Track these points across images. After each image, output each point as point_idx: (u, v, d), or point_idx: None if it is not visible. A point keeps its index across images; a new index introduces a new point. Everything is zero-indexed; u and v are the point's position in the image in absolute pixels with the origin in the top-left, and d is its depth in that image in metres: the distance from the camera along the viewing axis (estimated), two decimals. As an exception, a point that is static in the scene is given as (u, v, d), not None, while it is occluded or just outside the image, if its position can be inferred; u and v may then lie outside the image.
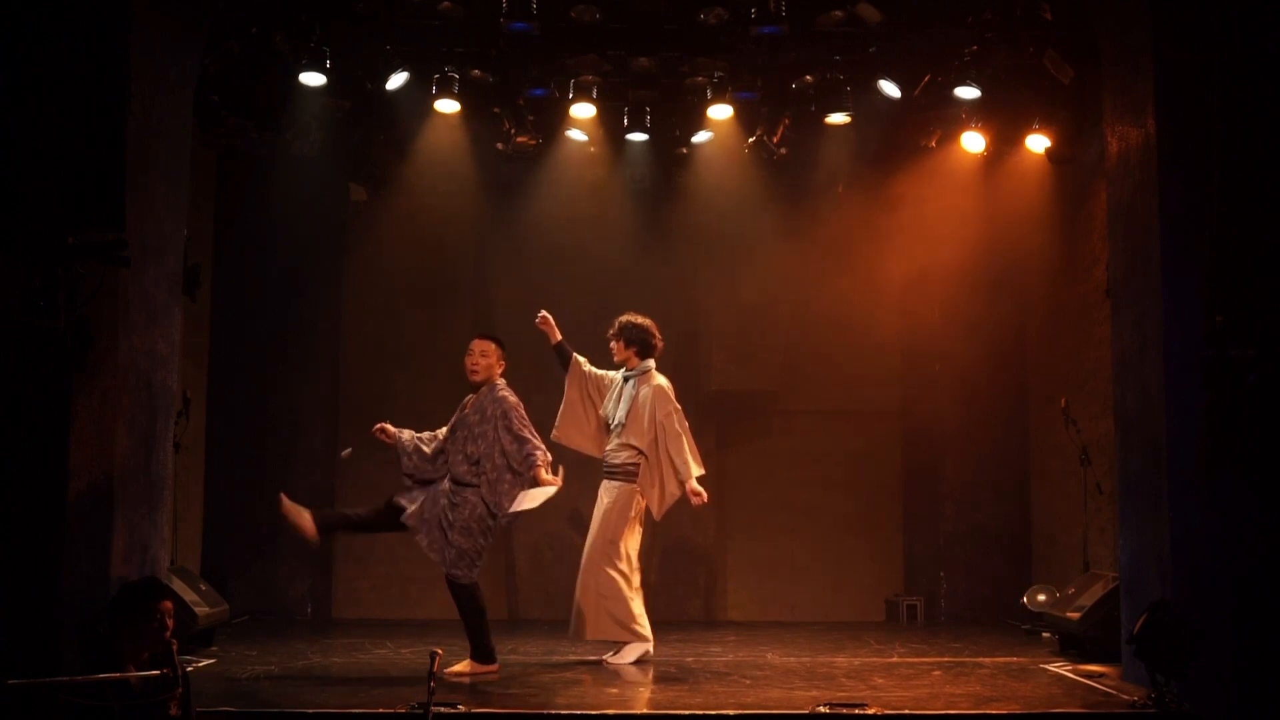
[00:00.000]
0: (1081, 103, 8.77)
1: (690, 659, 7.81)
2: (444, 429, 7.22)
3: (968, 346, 10.51)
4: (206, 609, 8.06)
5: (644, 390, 7.60)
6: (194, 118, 7.44)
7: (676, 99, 9.51)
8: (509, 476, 6.91)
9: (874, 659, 7.91)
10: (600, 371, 7.83)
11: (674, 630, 8.93)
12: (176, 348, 7.09)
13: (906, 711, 5.89)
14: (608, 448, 7.70)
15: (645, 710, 6.00)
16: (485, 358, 7.17)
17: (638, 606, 7.54)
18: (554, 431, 7.72)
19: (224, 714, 5.66)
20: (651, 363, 7.71)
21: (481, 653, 7.01)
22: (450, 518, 6.93)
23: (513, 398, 7.07)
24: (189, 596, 7.86)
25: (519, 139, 9.65)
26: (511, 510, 6.84)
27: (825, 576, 10.61)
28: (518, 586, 10.38)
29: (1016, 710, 5.97)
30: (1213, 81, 6.27)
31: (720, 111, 9.28)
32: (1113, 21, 7.10)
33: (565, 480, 6.89)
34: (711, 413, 10.45)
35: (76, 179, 6.06)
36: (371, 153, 10.06)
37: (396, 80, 8.80)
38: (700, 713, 5.82)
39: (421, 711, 5.11)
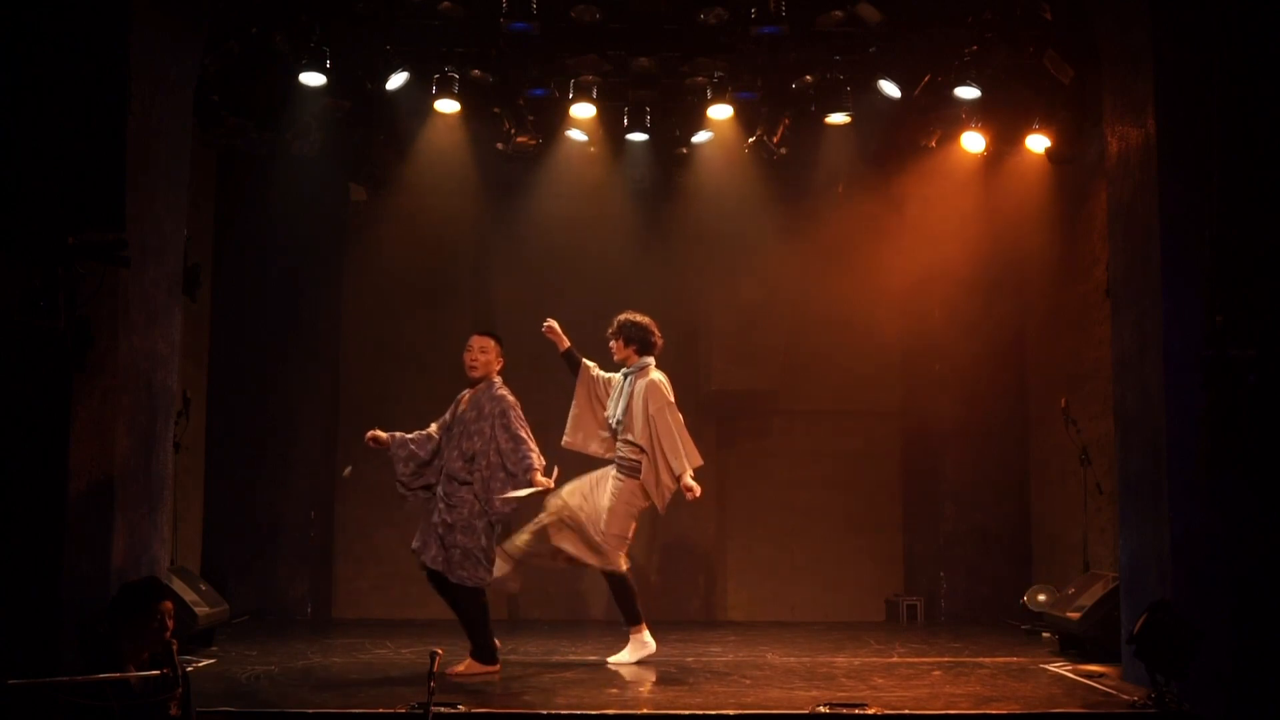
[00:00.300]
0: (1081, 103, 8.77)
1: (690, 659, 7.80)
2: (434, 425, 7.23)
3: (968, 346, 10.51)
4: (206, 609, 8.06)
5: (639, 385, 7.60)
6: (194, 118, 7.44)
7: (676, 99, 9.51)
8: (502, 475, 6.92)
9: (874, 659, 7.91)
10: (607, 374, 7.82)
11: (674, 630, 8.92)
12: (176, 348, 7.09)
13: (906, 711, 5.89)
14: (614, 445, 7.70)
15: (645, 710, 6.00)
16: (484, 354, 7.18)
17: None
18: (564, 438, 7.72)
19: (224, 714, 5.66)
20: (650, 360, 7.69)
21: (483, 653, 7.01)
22: (449, 519, 6.93)
23: (511, 396, 7.08)
24: (189, 596, 7.86)
25: (519, 139, 9.65)
26: (499, 500, 6.85)
27: (825, 576, 10.61)
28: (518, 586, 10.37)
29: (1016, 710, 5.97)
30: (1213, 81, 6.27)
31: (720, 111, 9.28)
32: (1113, 21, 7.10)
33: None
34: (711, 413, 10.44)
35: (76, 179, 6.07)
36: (371, 153, 10.06)
37: (396, 80, 8.80)
38: (700, 713, 5.83)
39: (421, 711, 5.11)
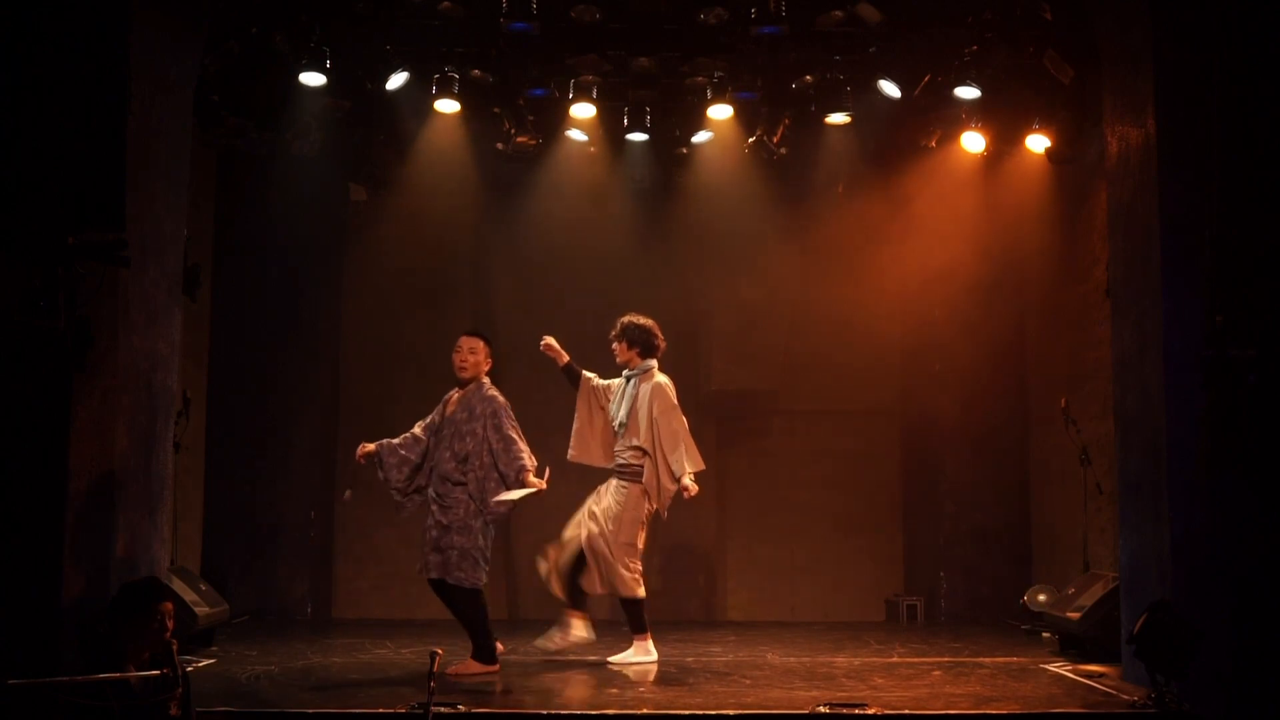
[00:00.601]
0: (1081, 103, 8.77)
1: (690, 659, 7.80)
2: (418, 427, 7.23)
3: (968, 346, 10.51)
4: (206, 609, 8.05)
5: (644, 389, 7.60)
6: (194, 118, 7.44)
7: (676, 99, 9.51)
8: (495, 476, 6.93)
9: (874, 659, 7.91)
10: (606, 381, 7.82)
11: (674, 630, 8.93)
12: (176, 348, 7.09)
13: (906, 711, 5.89)
14: (615, 449, 7.69)
15: (645, 710, 5.99)
16: (474, 355, 7.19)
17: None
18: (570, 453, 7.71)
19: (224, 714, 5.66)
20: (653, 362, 7.70)
21: (483, 653, 7.01)
22: (444, 520, 6.94)
23: (501, 398, 7.09)
24: (189, 596, 7.86)
25: (519, 139, 9.65)
26: (494, 502, 6.85)
27: (825, 576, 10.61)
28: (518, 586, 10.37)
29: (1016, 710, 5.97)
30: (1213, 81, 6.28)
31: (720, 111, 9.28)
32: (1113, 21, 7.10)
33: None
34: (711, 413, 10.45)
35: (76, 179, 6.07)
36: (371, 153, 10.07)
37: (396, 80, 8.80)
38: (700, 713, 5.83)
39: (421, 711, 5.12)
